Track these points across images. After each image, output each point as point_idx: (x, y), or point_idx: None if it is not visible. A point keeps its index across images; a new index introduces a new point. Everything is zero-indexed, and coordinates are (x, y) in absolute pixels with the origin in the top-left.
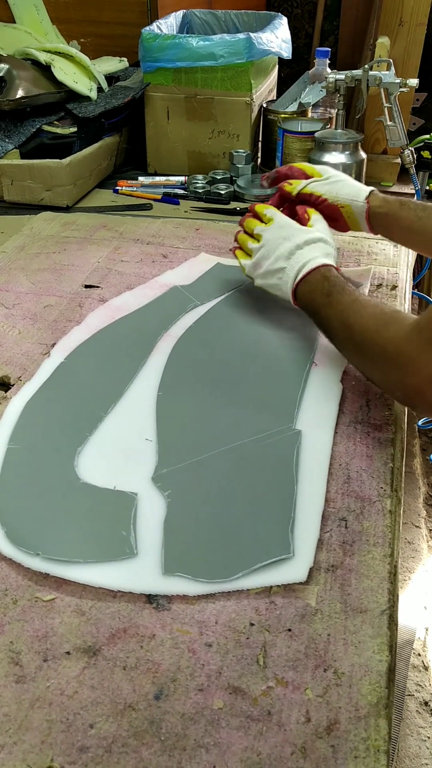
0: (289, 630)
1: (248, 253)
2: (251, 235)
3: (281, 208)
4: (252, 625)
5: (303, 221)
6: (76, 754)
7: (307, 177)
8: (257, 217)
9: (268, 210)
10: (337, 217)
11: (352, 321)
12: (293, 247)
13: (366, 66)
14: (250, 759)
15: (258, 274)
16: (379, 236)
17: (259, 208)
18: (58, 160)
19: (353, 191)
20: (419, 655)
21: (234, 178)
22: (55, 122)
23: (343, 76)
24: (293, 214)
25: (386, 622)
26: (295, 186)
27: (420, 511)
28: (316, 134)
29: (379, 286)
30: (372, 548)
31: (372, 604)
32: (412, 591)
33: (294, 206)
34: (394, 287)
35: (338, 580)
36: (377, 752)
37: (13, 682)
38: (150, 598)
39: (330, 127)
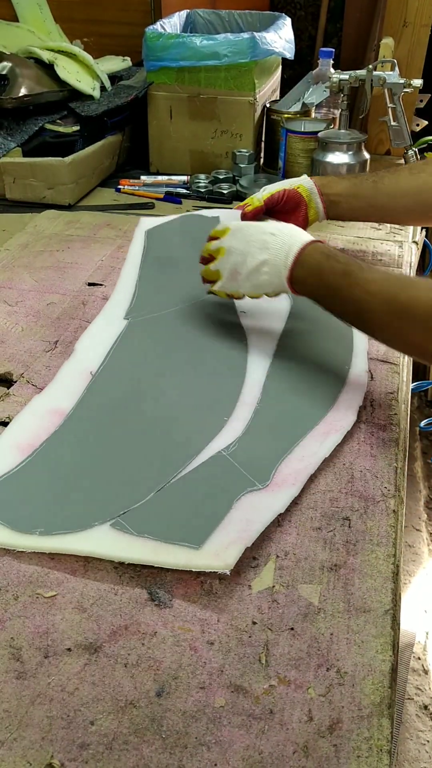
0: (292, 629)
1: (215, 278)
2: (212, 259)
3: None
4: (254, 623)
5: None
6: (77, 750)
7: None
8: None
9: (219, 226)
10: (298, 200)
11: (401, 297)
12: (265, 236)
13: (370, 66)
14: (251, 757)
15: (240, 283)
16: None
17: (214, 232)
18: (60, 159)
19: (296, 179)
20: (419, 658)
21: (237, 178)
22: (58, 121)
23: (346, 76)
24: None
25: (389, 621)
26: (254, 199)
27: (421, 514)
28: (320, 134)
29: None
30: (375, 548)
31: (375, 604)
32: (413, 594)
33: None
34: None
35: (341, 580)
36: (380, 752)
37: (14, 678)
38: (152, 596)
39: (333, 128)
